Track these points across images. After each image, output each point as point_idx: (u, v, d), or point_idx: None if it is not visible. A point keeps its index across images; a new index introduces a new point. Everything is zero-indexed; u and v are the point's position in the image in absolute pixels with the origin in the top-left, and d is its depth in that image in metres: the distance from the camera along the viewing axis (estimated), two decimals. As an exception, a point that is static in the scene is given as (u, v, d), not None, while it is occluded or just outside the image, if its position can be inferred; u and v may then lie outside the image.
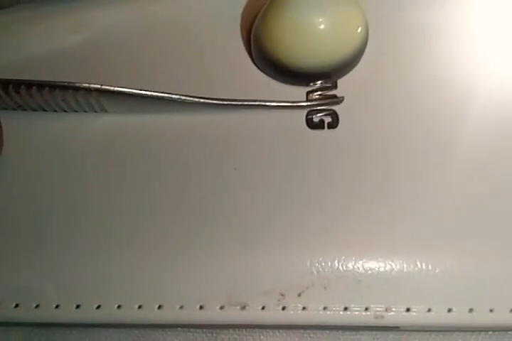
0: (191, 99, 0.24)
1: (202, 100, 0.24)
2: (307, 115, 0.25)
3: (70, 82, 0.23)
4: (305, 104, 0.25)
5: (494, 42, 0.26)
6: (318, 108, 0.25)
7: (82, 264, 0.23)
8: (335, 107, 0.25)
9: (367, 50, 0.25)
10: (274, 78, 0.25)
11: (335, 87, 0.25)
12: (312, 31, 0.23)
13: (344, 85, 0.25)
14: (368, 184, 0.24)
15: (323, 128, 0.25)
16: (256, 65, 0.25)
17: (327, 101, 0.25)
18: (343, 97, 0.25)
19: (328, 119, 0.25)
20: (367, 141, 0.24)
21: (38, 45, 0.25)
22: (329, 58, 0.24)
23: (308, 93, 0.25)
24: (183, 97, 0.24)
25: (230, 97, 0.24)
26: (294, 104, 0.25)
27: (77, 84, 0.23)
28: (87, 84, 0.23)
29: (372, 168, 0.24)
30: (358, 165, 0.24)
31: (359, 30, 0.24)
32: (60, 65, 0.25)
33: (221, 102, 0.24)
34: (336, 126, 0.25)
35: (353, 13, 0.24)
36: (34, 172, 0.24)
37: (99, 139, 0.25)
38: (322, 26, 0.23)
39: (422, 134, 0.24)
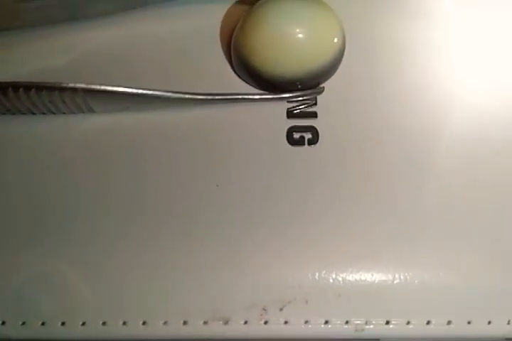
0: (177, 95, 0.24)
1: (188, 96, 0.25)
2: (288, 132, 0.25)
3: (56, 83, 0.24)
4: (287, 95, 0.25)
5: (470, 54, 0.26)
6: (300, 99, 0.25)
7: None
8: (315, 124, 0.25)
9: (345, 64, 0.25)
10: (253, 86, 0.26)
11: (315, 103, 0.25)
12: (289, 41, 0.23)
13: (324, 102, 0.25)
14: (347, 199, 0.24)
15: (303, 144, 0.25)
16: (236, 73, 0.26)
17: (309, 91, 0.25)
18: (323, 88, 0.25)
19: (308, 136, 0.25)
20: (347, 157, 0.25)
21: (26, 66, 0.26)
22: (306, 67, 0.24)
23: (288, 111, 0.25)
24: (169, 94, 0.24)
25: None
26: (276, 96, 0.25)
27: (63, 85, 0.23)
28: (73, 84, 0.24)
29: (352, 183, 0.25)
30: (337, 181, 0.25)
31: (335, 40, 0.24)
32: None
33: (207, 97, 0.25)
34: (316, 143, 0.25)
35: (330, 24, 0.24)
36: (26, 175, 0.25)
37: (88, 139, 0.25)
38: (299, 36, 0.23)
39: (399, 148, 0.25)
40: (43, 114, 0.25)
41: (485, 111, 0.26)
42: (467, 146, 0.25)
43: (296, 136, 0.25)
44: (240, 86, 0.26)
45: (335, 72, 0.25)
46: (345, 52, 0.25)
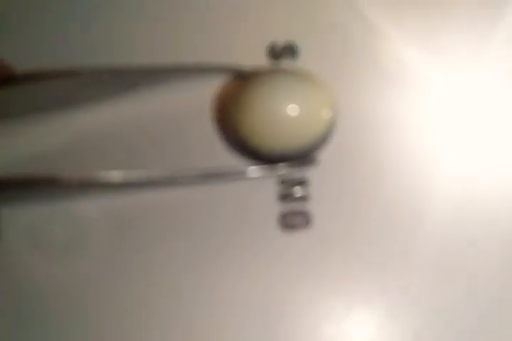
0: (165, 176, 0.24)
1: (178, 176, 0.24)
2: (279, 215, 0.25)
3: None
4: (280, 169, 0.25)
5: (459, 132, 0.26)
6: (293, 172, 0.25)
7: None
8: (307, 208, 0.25)
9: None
10: (246, 161, 0.25)
11: (306, 186, 0.25)
12: (282, 117, 0.23)
13: (316, 184, 0.26)
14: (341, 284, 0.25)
15: (295, 229, 0.25)
16: (228, 149, 0.26)
17: (302, 164, 0.25)
18: (316, 160, 0.25)
19: (300, 221, 0.25)
20: (338, 241, 0.25)
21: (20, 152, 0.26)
22: (298, 143, 0.24)
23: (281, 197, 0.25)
24: (156, 176, 0.24)
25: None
26: (269, 171, 0.25)
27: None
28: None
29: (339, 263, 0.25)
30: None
31: (327, 114, 0.24)
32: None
33: (192, 177, 0.24)
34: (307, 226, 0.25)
35: (322, 98, 0.24)
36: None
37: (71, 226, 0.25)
38: (291, 112, 0.23)
39: (391, 227, 0.25)
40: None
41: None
42: (451, 225, 0.25)
43: (288, 219, 0.25)
44: (231, 161, 0.25)
45: (327, 144, 0.25)
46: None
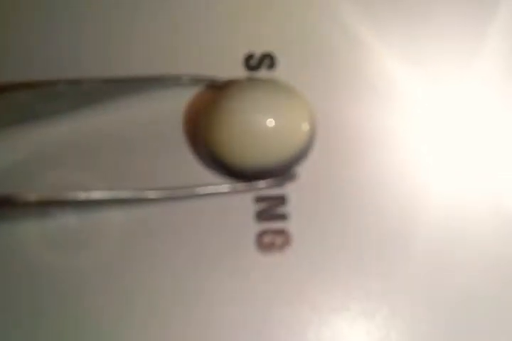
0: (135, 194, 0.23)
1: (148, 194, 0.23)
2: (257, 236, 0.24)
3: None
4: (258, 184, 0.24)
5: (442, 144, 0.25)
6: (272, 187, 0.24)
7: None
8: (285, 227, 0.24)
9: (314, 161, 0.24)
10: (221, 175, 0.24)
11: (284, 204, 0.24)
12: (258, 132, 0.22)
13: (294, 205, 0.24)
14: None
15: (273, 249, 0.24)
16: (202, 164, 0.25)
17: (281, 179, 0.24)
18: (295, 174, 0.24)
19: (279, 240, 0.24)
20: (318, 261, 0.24)
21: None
22: (275, 158, 0.23)
23: (257, 212, 0.24)
24: (126, 193, 0.23)
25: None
26: (246, 187, 0.24)
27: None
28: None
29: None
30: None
31: (305, 127, 0.23)
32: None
33: (165, 194, 0.23)
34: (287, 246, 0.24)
35: (300, 111, 0.23)
36: None
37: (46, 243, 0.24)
38: (268, 128, 0.22)
39: (369, 247, 0.24)
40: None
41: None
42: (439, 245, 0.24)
43: (266, 239, 0.24)
44: (206, 177, 0.24)
45: (306, 158, 0.24)
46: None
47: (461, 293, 0.24)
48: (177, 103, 0.25)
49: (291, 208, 0.24)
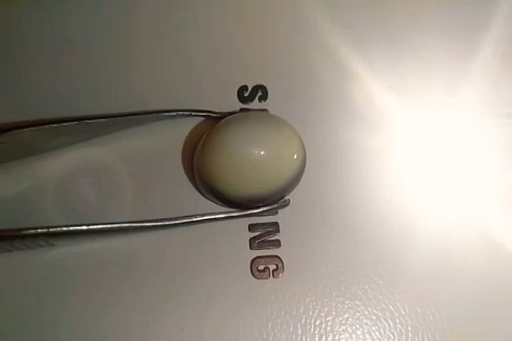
0: (135, 224, 0.24)
1: (146, 224, 0.24)
2: (251, 263, 0.25)
3: (16, 230, 0.23)
4: (252, 211, 0.25)
5: (429, 165, 0.26)
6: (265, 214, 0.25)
7: None
8: (278, 253, 0.25)
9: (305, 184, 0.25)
10: (217, 203, 0.25)
11: (277, 231, 0.25)
12: (250, 163, 0.23)
13: (286, 232, 0.25)
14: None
15: (268, 276, 0.25)
16: (199, 193, 0.25)
17: (274, 206, 0.25)
18: (288, 200, 0.25)
19: (273, 267, 0.25)
20: (310, 286, 0.25)
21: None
22: (267, 187, 0.24)
23: (251, 239, 0.25)
24: (131, 225, 0.24)
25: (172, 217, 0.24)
26: (241, 214, 0.25)
27: (24, 232, 0.23)
28: (34, 230, 0.23)
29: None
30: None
31: (297, 156, 0.24)
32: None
33: (163, 223, 0.24)
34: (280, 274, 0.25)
35: (291, 142, 0.24)
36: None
37: (49, 271, 0.25)
38: (260, 159, 0.23)
39: (360, 273, 0.25)
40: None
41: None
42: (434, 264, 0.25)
43: (261, 267, 0.25)
44: (202, 205, 0.25)
45: (297, 184, 0.25)
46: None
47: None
48: (176, 135, 0.26)
49: (283, 234, 0.25)
